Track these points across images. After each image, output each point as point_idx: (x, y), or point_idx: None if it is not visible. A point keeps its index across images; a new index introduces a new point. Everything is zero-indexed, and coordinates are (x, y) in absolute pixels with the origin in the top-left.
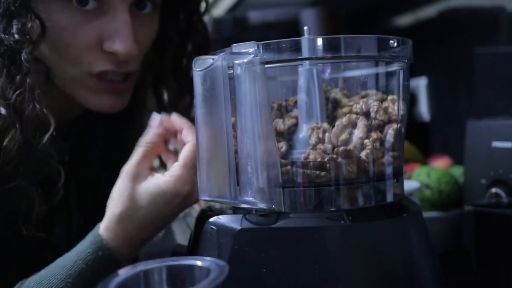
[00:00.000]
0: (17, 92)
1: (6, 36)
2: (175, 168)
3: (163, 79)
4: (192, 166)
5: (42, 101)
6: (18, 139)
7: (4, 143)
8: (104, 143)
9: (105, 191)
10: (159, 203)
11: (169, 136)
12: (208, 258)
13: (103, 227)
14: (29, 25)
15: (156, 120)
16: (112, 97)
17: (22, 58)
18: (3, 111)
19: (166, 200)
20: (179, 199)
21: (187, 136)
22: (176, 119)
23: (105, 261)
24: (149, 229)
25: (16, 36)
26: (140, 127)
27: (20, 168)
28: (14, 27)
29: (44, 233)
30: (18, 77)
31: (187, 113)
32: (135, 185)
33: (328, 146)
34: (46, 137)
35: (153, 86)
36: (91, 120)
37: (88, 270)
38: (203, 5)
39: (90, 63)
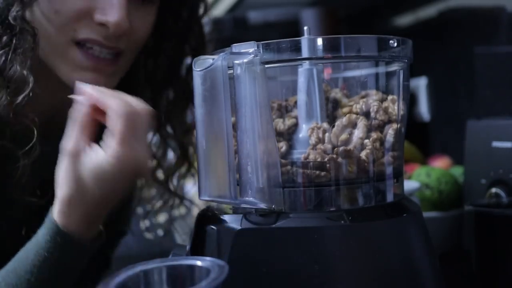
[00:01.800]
0: (1, 51)
1: None
2: (112, 148)
3: (158, 81)
4: (129, 137)
5: (25, 62)
6: (3, 101)
7: None
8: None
9: None
10: (106, 182)
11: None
12: (208, 258)
13: (56, 212)
14: None
15: (82, 88)
16: (96, 74)
17: (10, 17)
18: None
19: (113, 179)
20: (127, 174)
21: (106, 103)
22: (89, 92)
23: (65, 245)
24: (104, 205)
25: None
26: None
27: (6, 131)
28: None
29: (36, 198)
30: (4, 38)
31: (183, 114)
32: (78, 166)
33: (328, 146)
34: (21, 97)
35: (150, 89)
36: None
37: (51, 258)
38: (202, 8)
39: (75, 30)
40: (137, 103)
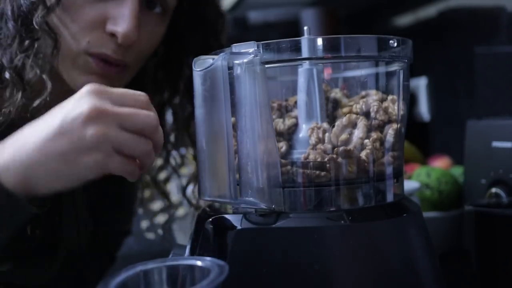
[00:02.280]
0: (23, 55)
1: (25, 0)
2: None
3: (172, 93)
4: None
5: (44, 67)
6: (18, 103)
7: (4, 106)
8: None
9: (112, 191)
10: (61, 116)
11: None
12: (208, 258)
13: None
14: None
15: None
16: (101, 79)
17: (34, 22)
18: (7, 75)
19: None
20: (91, 99)
21: None
22: None
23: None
24: (52, 154)
25: None
26: None
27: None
28: None
29: (51, 235)
30: (27, 42)
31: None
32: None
33: (328, 146)
34: (38, 100)
35: (167, 100)
36: None
37: None
38: (220, 23)
39: (89, 42)
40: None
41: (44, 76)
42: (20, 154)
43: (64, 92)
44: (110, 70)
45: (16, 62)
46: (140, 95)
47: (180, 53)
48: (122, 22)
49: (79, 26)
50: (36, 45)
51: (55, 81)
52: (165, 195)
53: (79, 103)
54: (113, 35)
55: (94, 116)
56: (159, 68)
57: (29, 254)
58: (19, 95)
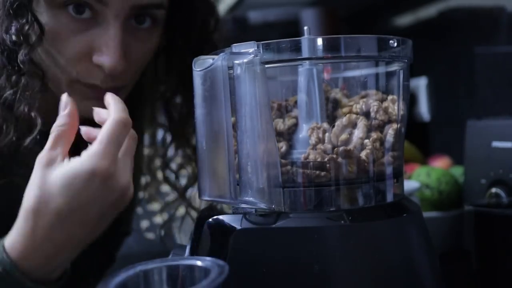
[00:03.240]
0: (10, 91)
1: (6, 36)
2: (91, 146)
3: (171, 94)
4: (111, 142)
5: (33, 103)
6: (9, 140)
7: None
8: None
9: None
10: (74, 188)
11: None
12: (208, 258)
13: (11, 241)
14: (27, 27)
15: (63, 101)
16: (101, 103)
17: (18, 60)
18: None
19: (82, 182)
20: (98, 179)
21: (104, 114)
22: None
23: (8, 277)
24: (68, 226)
25: (14, 37)
26: (142, 141)
27: (13, 167)
28: (13, 27)
29: None
30: (13, 77)
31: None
32: (46, 173)
33: (328, 146)
34: (29, 139)
35: (164, 102)
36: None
37: None
38: (212, 23)
39: (78, 73)
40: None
41: (32, 114)
42: (43, 243)
43: None
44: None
45: (6, 96)
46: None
47: (174, 56)
48: (107, 54)
49: (66, 58)
50: (23, 81)
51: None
52: (175, 187)
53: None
54: (100, 66)
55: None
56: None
57: None
58: (11, 128)
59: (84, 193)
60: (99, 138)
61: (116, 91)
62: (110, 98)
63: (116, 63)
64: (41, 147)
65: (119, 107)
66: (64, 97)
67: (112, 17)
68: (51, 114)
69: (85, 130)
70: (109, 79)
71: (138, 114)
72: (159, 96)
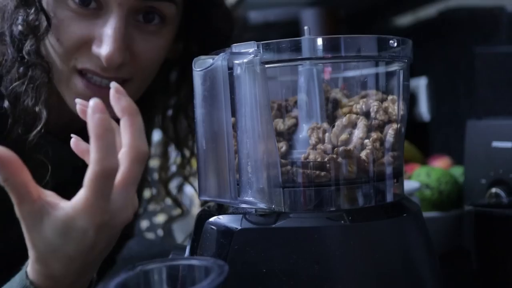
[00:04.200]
0: (18, 82)
1: (14, 28)
2: (77, 200)
3: (184, 105)
4: (99, 197)
5: (38, 96)
6: (15, 132)
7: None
8: None
9: None
10: (77, 238)
11: None
12: (208, 258)
13: (30, 266)
14: (33, 17)
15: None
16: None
17: (24, 52)
18: (6, 103)
19: (78, 236)
20: (92, 231)
21: (84, 146)
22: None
23: None
24: (77, 265)
25: (20, 27)
26: (152, 132)
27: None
28: (20, 18)
29: None
30: (21, 68)
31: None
32: (39, 227)
33: (328, 146)
34: (33, 133)
35: (173, 113)
36: None
37: None
38: (228, 27)
39: (76, 58)
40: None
41: (37, 108)
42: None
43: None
44: (101, 92)
45: (14, 87)
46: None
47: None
48: (105, 44)
49: (66, 45)
50: (30, 73)
51: (60, 105)
52: (176, 202)
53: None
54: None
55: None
56: (170, 74)
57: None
58: (18, 125)
59: (84, 243)
60: (86, 191)
61: (120, 83)
62: (93, 137)
63: (112, 53)
64: (46, 143)
65: (102, 151)
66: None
67: (115, 7)
68: (52, 111)
69: (74, 142)
70: (107, 70)
71: (147, 123)
72: (170, 106)
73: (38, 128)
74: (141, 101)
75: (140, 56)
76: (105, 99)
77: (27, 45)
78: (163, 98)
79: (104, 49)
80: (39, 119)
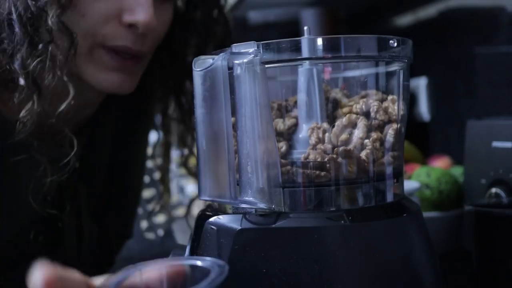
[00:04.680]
0: (38, 59)
1: (33, 2)
2: None
3: (181, 82)
4: None
5: (63, 69)
6: (35, 111)
7: (21, 115)
8: (114, 147)
9: (116, 195)
10: None
11: None
12: (208, 258)
13: None
14: None
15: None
16: (121, 75)
17: (49, 22)
18: (22, 81)
19: None
20: None
21: None
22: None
23: None
24: None
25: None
26: (150, 131)
27: (34, 142)
28: None
29: (55, 211)
30: (40, 45)
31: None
32: None
33: (328, 146)
34: (64, 104)
35: (174, 92)
36: (102, 122)
37: None
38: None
39: (105, 36)
40: None
41: (65, 79)
42: None
43: (80, 92)
44: (126, 63)
45: (30, 68)
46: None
47: (181, 57)
48: (141, 11)
49: (92, 20)
50: (50, 48)
51: (82, 87)
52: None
53: None
54: (130, 26)
55: None
56: (164, 72)
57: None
58: (36, 102)
59: None
60: None
61: (138, 60)
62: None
63: (150, 19)
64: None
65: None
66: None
67: None
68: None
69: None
70: (139, 41)
71: (146, 123)
72: (169, 91)
73: (69, 99)
74: (139, 91)
75: (158, 29)
76: (129, 69)
77: (52, 15)
78: (160, 89)
79: (141, 14)
80: (67, 90)
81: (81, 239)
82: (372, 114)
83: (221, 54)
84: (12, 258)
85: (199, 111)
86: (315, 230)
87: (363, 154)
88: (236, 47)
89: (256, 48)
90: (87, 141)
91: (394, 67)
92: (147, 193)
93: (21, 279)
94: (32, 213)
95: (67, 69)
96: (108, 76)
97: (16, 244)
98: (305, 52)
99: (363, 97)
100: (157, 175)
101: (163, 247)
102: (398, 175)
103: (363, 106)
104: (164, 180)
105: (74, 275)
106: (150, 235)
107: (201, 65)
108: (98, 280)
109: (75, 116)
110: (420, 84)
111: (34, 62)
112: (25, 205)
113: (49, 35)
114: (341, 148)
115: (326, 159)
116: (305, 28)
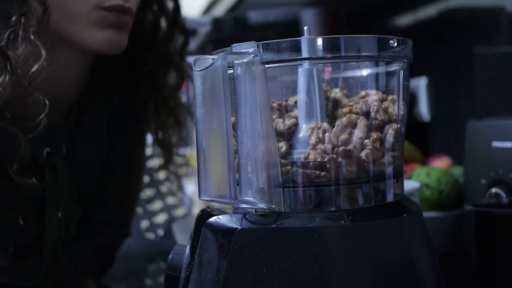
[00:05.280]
0: (9, 30)
1: None
2: None
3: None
4: None
5: (35, 35)
6: (7, 82)
7: None
8: (109, 144)
9: (112, 191)
10: None
11: None
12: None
13: None
14: None
15: None
16: (116, 32)
17: None
18: None
19: None
20: None
21: None
22: None
23: None
24: None
25: None
26: (142, 117)
27: (6, 113)
28: None
29: (35, 181)
30: (14, 18)
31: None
32: None
33: (328, 146)
34: (36, 66)
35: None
36: (90, 109)
37: None
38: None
39: None
40: None
41: (38, 43)
42: None
43: (69, 61)
44: (125, 17)
45: (2, 40)
46: None
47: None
48: None
49: None
50: (23, 20)
51: (59, 51)
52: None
53: None
54: None
55: None
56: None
57: (18, 254)
58: (8, 74)
59: None
60: None
61: (131, 16)
62: None
63: None
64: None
65: None
66: None
67: None
68: (54, 90)
69: None
70: None
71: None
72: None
73: (41, 61)
74: (129, 54)
75: None
76: (123, 25)
77: None
78: (151, 52)
79: None
80: (40, 54)
81: (61, 224)
82: (372, 114)
83: (221, 54)
84: (3, 242)
85: (199, 111)
86: (315, 230)
87: (363, 154)
88: (236, 47)
89: (256, 48)
90: (74, 126)
91: (394, 67)
92: (147, 193)
93: (10, 277)
94: (21, 197)
95: (39, 37)
96: (105, 34)
97: (6, 228)
98: (305, 52)
99: (363, 97)
100: (157, 175)
101: (163, 247)
102: (398, 175)
103: (363, 106)
104: (165, 143)
105: None
106: (150, 235)
107: (201, 65)
108: None
109: (59, 97)
110: (420, 84)
111: (6, 34)
112: (12, 186)
113: (23, 7)
114: (341, 148)
115: (326, 159)
116: (305, 28)
